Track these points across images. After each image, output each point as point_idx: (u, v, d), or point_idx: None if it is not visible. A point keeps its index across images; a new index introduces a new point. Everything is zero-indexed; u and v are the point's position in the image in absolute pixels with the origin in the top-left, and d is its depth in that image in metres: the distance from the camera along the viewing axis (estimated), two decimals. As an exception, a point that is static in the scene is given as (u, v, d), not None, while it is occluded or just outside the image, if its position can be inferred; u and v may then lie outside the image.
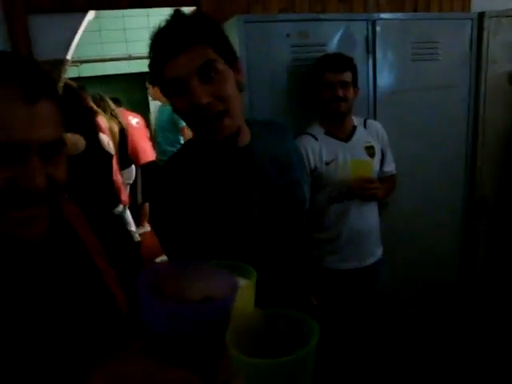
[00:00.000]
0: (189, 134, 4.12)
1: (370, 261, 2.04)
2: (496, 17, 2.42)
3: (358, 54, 2.20)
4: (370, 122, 2.10)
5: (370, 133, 2.05)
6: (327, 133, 1.98)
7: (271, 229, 1.06)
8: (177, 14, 0.98)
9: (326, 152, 1.94)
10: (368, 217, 2.01)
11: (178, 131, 4.26)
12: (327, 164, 1.94)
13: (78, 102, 2.73)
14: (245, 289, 0.55)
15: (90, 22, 2.67)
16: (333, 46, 2.17)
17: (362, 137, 2.02)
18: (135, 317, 0.75)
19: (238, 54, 1.99)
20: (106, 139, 2.92)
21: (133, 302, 0.75)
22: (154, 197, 1.06)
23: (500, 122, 2.58)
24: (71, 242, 0.72)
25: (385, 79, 2.31)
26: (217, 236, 0.97)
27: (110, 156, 2.95)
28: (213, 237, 0.96)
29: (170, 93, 0.98)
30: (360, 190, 1.92)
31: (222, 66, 0.95)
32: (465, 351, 2.61)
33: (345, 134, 2.00)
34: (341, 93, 1.89)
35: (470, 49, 2.45)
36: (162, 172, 1.09)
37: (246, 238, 1.00)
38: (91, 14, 2.47)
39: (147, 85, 4.54)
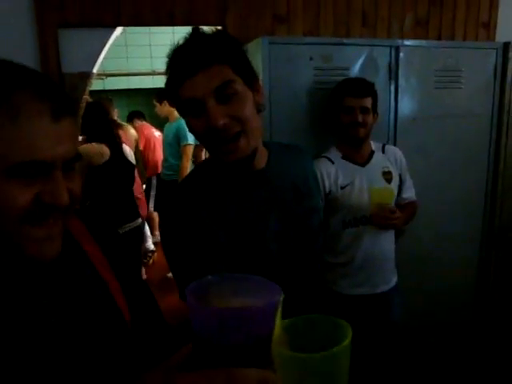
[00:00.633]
0: (189, 153, 4.19)
1: (384, 288, 1.99)
2: (521, 47, 2.41)
3: (380, 80, 2.21)
4: (388, 147, 2.07)
5: (387, 158, 2.02)
6: (344, 157, 1.96)
7: (285, 255, 1.04)
8: (196, 32, 0.96)
9: (342, 176, 1.92)
10: (383, 243, 1.97)
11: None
12: (342, 188, 1.91)
13: (104, 115, 2.78)
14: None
15: (117, 37, 2.73)
16: (355, 70, 2.17)
17: (379, 162, 1.98)
18: (139, 328, 0.76)
19: (261, 74, 2.04)
20: (127, 149, 2.97)
21: (136, 314, 0.75)
22: (166, 215, 1.04)
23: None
24: (76, 254, 0.72)
25: (406, 106, 2.31)
26: (228, 261, 0.94)
27: (133, 166, 2.99)
28: (224, 262, 0.94)
29: (186, 113, 0.96)
30: (380, 219, 1.89)
31: (240, 86, 0.93)
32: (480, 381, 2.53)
33: (362, 159, 1.97)
34: (360, 118, 1.87)
35: (495, 77, 2.44)
36: (175, 191, 1.07)
37: (259, 265, 0.96)
38: (119, 30, 2.53)
39: (154, 102, 4.60)
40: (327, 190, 1.90)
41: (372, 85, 1.94)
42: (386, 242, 1.99)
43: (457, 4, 2.86)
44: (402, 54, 2.25)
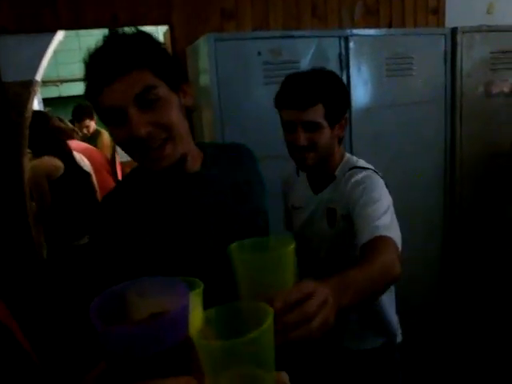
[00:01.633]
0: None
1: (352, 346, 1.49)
2: (469, 32, 2.42)
3: (331, 71, 2.18)
4: (353, 172, 1.35)
5: (340, 188, 1.37)
6: (308, 175, 1.51)
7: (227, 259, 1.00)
8: (112, 35, 0.88)
9: (297, 194, 1.54)
10: None
11: None
12: (295, 209, 1.55)
13: (44, 123, 2.69)
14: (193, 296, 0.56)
15: (68, 41, 2.63)
16: (305, 63, 2.14)
17: (330, 193, 1.42)
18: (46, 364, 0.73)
19: (209, 72, 1.98)
20: (79, 157, 2.88)
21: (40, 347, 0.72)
22: (95, 227, 0.99)
23: (477, 134, 2.57)
24: None
25: (359, 96, 2.29)
26: (164, 267, 0.89)
27: (88, 174, 2.90)
28: (159, 267, 0.89)
29: (107, 122, 0.89)
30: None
31: (162, 91, 0.87)
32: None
33: (319, 182, 1.46)
34: (302, 139, 1.32)
35: (445, 63, 2.45)
36: (103, 202, 1.01)
37: (197, 270, 0.93)
38: (61, 34, 2.42)
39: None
40: (289, 205, 1.59)
41: (325, 82, 1.34)
42: None
43: (405, -10, 2.87)
44: (351, 44, 2.23)
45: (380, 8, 2.85)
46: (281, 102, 1.36)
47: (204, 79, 2.13)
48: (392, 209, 1.21)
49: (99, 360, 0.52)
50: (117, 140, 0.90)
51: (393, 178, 2.35)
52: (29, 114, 2.44)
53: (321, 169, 1.41)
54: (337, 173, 1.40)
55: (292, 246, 0.68)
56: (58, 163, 2.68)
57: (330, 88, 1.33)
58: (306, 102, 1.30)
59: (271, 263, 0.66)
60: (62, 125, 3.03)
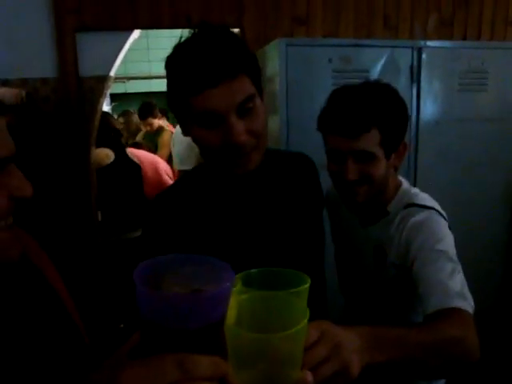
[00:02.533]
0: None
1: None
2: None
3: (401, 82, 2.14)
4: (411, 211, 1.11)
5: (393, 229, 1.14)
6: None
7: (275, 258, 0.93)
8: (211, 33, 0.83)
9: (340, 219, 1.35)
10: None
11: None
12: (339, 233, 1.37)
13: (107, 124, 2.82)
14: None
15: (138, 41, 2.73)
16: (376, 72, 2.11)
17: (380, 231, 1.18)
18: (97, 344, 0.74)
19: (279, 76, 1.99)
20: (131, 152, 3.00)
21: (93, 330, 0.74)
22: (147, 223, 1.00)
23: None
24: (32, 271, 0.72)
25: (429, 109, 2.23)
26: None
27: (138, 167, 2.99)
28: None
29: (198, 123, 0.85)
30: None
31: (258, 99, 0.86)
32: None
33: (368, 214, 1.22)
34: (352, 173, 1.08)
35: (522, 80, 2.34)
36: (157, 199, 1.00)
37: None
38: (136, 33, 2.52)
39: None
40: (332, 224, 1.40)
41: (382, 101, 1.07)
42: None
43: (484, 2, 2.76)
44: (424, 56, 2.17)
45: (455, 19, 2.76)
46: (326, 125, 1.10)
47: (273, 83, 2.14)
48: (458, 261, 1.00)
49: (131, 334, 0.53)
50: (206, 142, 0.87)
51: (456, 196, 2.30)
52: (101, 107, 2.56)
53: (373, 200, 1.15)
54: (390, 208, 1.15)
55: (305, 321, 0.51)
56: (107, 152, 2.81)
57: (387, 108, 1.06)
58: (359, 127, 1.04)
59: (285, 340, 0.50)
60: (118, 124, 3.17)
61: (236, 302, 0.52)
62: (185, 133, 0.94)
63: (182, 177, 1.08)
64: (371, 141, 1.05)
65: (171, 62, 0.85)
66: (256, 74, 0.88)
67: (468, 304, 0.90)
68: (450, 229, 1.08)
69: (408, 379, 1.16)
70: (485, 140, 2.34)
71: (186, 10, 2.43)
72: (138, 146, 3.69)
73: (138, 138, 4.20)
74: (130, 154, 2.98)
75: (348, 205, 1.20)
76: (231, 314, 0.49)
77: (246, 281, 0.58)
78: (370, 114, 1.04)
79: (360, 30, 2.64)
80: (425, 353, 0.73)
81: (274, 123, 2.10)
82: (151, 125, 4.22)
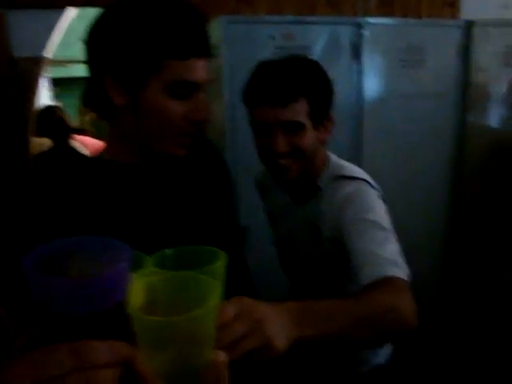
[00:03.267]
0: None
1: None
2: (484, 26, 2.39)
3: (344, 59, 2.17)
4: (340, 183, 1.11)
5: (324, 203, 1.13)
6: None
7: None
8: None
9: (273, 201, 1.34)
10: None
11: None
12: (274, 215, 1.35)
13: (52, 114, 2.71)
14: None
15: (78, 21, 2.61)
16: (318, 49, 2.12)
17: (313, 207, 1.17)
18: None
19: (222, 54, 1.97)
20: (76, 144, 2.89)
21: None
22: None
23: (488, 131, 2.55)
24: None
25: (372, 86, 2.27)
26: None
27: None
28: None
29: (171, 93, 0.80)
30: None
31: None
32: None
33: (300, 191, 1.21)
34: (282, 144, 1.06)
35: (458, 56, 2.42)
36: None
37: None
38: (73, 12, 2.41)
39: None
40: (267, 209, 1.38)
41: (309, 72, 1.08)
42: None
43: (422, -18, 2.83)
44: (366, 32, 2.21)
45: (395, -2, 2.82)
46: (251, 97, 1.08)
47: (216, 61, 2.11)
48: (392, 229, 1.00)
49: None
50: (169, 113, 0.82)
51: (401, 169, 2.37)
52: (37, 91, 2.44)
53: (301, 177, 1.13)
54: (320, 183, 1.14)
55: (218, 296, 0.50)
56: (42, 141, 2.69)
57: (314, 79, 1.07)
58: (286, 96, 1.03)
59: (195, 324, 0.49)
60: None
61: (145, 283, 0.50)
62: (138, 99, 0.81)
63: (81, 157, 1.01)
64: (299, 111, 1.04)
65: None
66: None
67: (402, 271, 0.89)
68: (383, 200, 1.08)
69: (350, 349, 1.19)
70: (426, 115, 2.41)
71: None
72: (83, 132, 3.55)
73: (85, 124, 4.03)
74: (75, 143, 2.86)
75: (279, 183, 1.18)
76: (138, 296, 0.48)
77: (161, 262, 0.56)
78: (296, 83, 1.04)
79: (303, 8, 2.64)
80: (358, 324, 0.73)
81: (221, 99, 2.08)
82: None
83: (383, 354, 1.31)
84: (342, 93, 1.95)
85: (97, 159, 0.93)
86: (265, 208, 1.39)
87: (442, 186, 2.56)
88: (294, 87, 1.04)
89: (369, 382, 1.30)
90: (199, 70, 0.81)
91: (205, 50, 0.82)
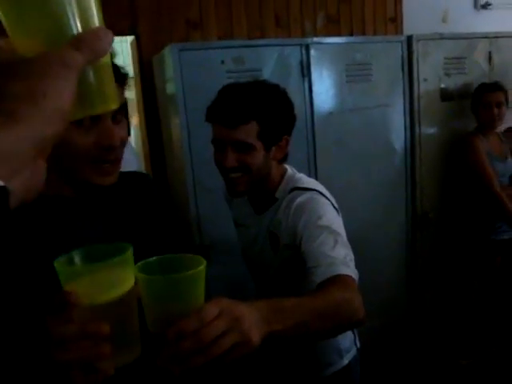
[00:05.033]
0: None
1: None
2: (423, 39, 2.55)
3: (293, 78, 2.27)
4: (295, 194, 1.21)
5: (281, 213, 1.23)
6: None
7: None
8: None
9: (237, 211, 1.46)
10: None
11: None
12: (239, 225, 1.46)
13: None
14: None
15: None
16: (268, 71, 2.22)
17: (272, 216, 1.28)
18: None
19: (174, 82, 2.03)
20: None
21: None
22: None
23: (435, 137, 2.69)
24: None
25: (321, 101, 2.38)
26: None
27: None
28: None
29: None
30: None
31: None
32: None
33: (260, 201, 1.33)
34: (230, 160, 1.17)
35: (402, 69, 2.56)
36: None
37: None
38: None
39: None
40: (232, 218, 1.50)
41: (263, 96, 1.18)
42: None
43: (364, 1, 2.99)
44: (312, 52, 2.32)
45: (341, 17, 2.96)
46: (211, 115, 1.19)
47: (170, 88, 2.18)
48: (343, 233, 1.11)
49: None
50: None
51: (355, 179, 2.47)
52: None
53: (259, 189, 1.27)
54: (277, 195, 1.26)
55: (202, 267, 0.63)
56: None
57: (267, 103, 1.16)
58: (237, 118, 1.14)
59: (182, 285, 0.63)
60: None
61: (141, 264, 0.64)
62: None
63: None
64: (249, 132, 1.15)
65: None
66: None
67: (351, 271, 1.01)
68: (336, 209, 1.20)
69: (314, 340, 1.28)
70: (375, 126, 2.53)
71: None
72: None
73: None
74: None
75: (231, 193, 1.30)
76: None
77: (147, 270, 0.63)
78: (249, 107, 1.14)
79: (254, 31, 2.75)
80: (318, 317, 0.84)
81: (176, 125, 2.14)
82: None
83: (348, 356, 1.41)
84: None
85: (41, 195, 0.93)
86: (232, 217, 1.51)
87: (396, 193, 2.68)
88: (246, 110, 1.14)
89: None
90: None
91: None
